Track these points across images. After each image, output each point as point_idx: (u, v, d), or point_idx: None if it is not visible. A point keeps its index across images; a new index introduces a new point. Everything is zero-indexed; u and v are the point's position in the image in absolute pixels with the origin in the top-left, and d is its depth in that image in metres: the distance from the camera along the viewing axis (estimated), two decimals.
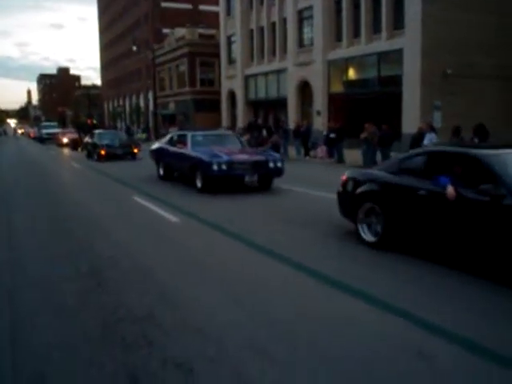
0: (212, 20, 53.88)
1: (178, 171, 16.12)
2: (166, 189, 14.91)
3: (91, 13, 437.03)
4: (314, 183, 15.20)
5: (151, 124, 56.71)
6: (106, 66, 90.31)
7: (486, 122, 17.14)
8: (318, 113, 33.50)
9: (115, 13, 79.69)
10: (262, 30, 40.11)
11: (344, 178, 8.55)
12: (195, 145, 14.64)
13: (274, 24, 38.52)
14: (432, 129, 17.99)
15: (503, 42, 27.86)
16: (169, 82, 57.15)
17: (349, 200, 8.21)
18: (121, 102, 78.56)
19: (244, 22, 41.83)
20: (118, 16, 78.37)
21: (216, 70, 50.15)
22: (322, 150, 24.40)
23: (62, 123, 79.82)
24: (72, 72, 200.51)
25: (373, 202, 7.60)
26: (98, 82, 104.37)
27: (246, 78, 42.79)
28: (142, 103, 68.62)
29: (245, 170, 13.26)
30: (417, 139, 18.24)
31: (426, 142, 17.39)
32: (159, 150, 17.33)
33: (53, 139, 46.94)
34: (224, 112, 46.55)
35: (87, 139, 29.87)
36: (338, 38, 32.16)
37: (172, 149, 15.94)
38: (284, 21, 37.19)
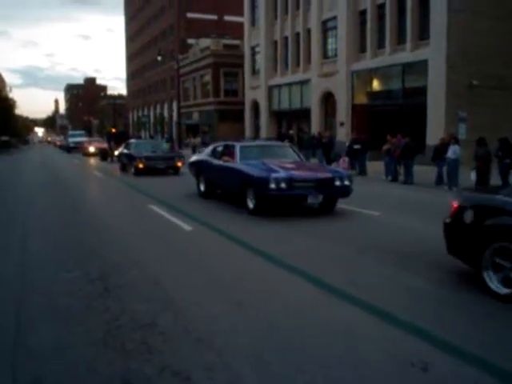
0: (237, 30, 54.15)
1: (223, 188, 13.95)
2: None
3: (118, 23, 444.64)
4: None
5: (175, 134, 57.05)
6: (131, 76, 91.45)
7: (511, 135, 16.77)
8: (342, 124, 33.28)
9: (141, 23, 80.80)
10: (286, 40, 40.13)
11: (457, 204, 6.47)
12: (245, 157, 12.45)
13: (298, 34, 38.51)
14: (456, 140, 17.67)
15: None
16: (193, 92, 57.49)
17: (467, 236, 6.14)
18: (145, 112, 79.28)
19: (268, 32, 41.91)
20: (144, 27, 79.45)
21: (240, 81, 50.30)
22: (344, 162, 24.14)
23: (88, 132, 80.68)
24: (98, 82, 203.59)
25: (509, 240, 5.57)
26: (124, 91, 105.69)
27: (270, 89, 42.79)
28: (166, 113, 69.13)
29: (308, 190, 10.97)
30: (440, 151, 17.97)
31: (449, 154, 17.12)
32: (200, 164, 14.99)
33: (79, 148, 45.82)
34: (247, 122, 46.58)
35: (122, 149, 26.16)
36: (362, 49, 31.97)
37: (216, 162, 13.67)
38: (308, 31, 37.15)
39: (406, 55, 28.30)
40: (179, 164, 22.87)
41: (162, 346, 4.38)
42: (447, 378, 3.84)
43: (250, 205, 11.42)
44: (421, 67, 27.33)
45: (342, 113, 33.45)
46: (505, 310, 5.34)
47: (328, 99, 35.85)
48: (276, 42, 41.43)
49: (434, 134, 24.59)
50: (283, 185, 10.68)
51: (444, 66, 25.61)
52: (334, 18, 33.91)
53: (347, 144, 24.54)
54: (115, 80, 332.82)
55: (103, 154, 35.15)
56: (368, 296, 5.67)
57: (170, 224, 10.50)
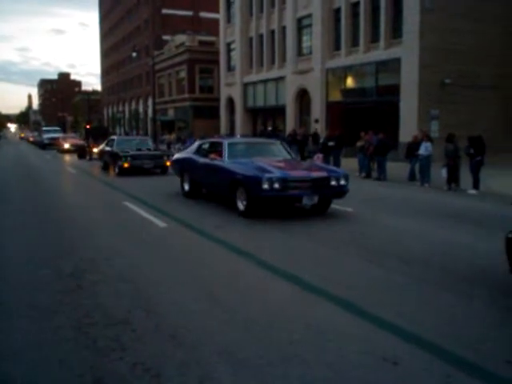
0: (212, 27, 54.07)
1: (209, 188, 13.18)
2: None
3: (93, 18, 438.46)
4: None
5: (150, 130, 56.68)
6: (106, 71, 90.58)
7: (484, 133, 17.12)
8: (316, 121, 33.47)
9: (116, 19, 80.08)
10: (261, 37, 40.18)
11: None
12: (233, 155, 11.78)
13: (273, 32, 38.59)
14: (428, 138, 17.94)
15: (504, 52, 27.90)
16: (168, 88, 57.20)
17: None
18: (120, 108, 78.64)
19: (244, 29, 41.91)
20: (118, 22, 78.74)
21: (215, 77, 50.23)
22: (318, 158, 24.29)
23: (62, 128, 79.60)
24: (73, 77, 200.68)
25: None
26: (99, 87, 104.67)
27: (245, 86, 42.82)
28: (141, 109, 68.66)
29: (303, 190, 10.33)
30: (412, 148, 18.21)
31: (421, 151, 17.36)
32: (184, 162, 14.16)
33: (54, 145, 43.59)
34: (223, 119, 46.56)
35: (103, 147, 23.83)
36: (337, 47, 32.18)
37: (202, 160, 12.90)
38: (283, 29, 37.27)
39: (380, 53, 28.59)
40: (168, 163, 19.97)
41: (134, 343, 4.40)
42: (418, 372, 3.94)
43: (241, 206, 10.75)
44: (394, 65, 27.63)
45: (317, 110, 33.64)
46: (483, 306, 5.47)
47: (303, 96, 36.02)
48: (251, 39, 41.45)
49: (407, 131, 24.91)
50: (277, 185, 10.02)
51: (417, 65, 25.94)
52: (309, 15, 34.07)
53: (321, 141, 24.71)
54: (89, 76, 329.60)
55: (81, 152, 32.48)
56: (342, 292, 5.76)
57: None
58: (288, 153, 12.89)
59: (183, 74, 52.88)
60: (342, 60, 31.51)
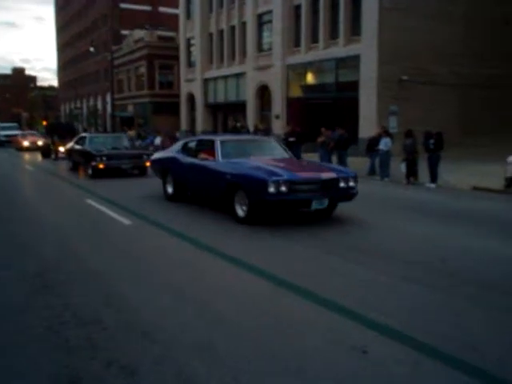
0: (172, 22, 53.54)
1: (199, 191, 11.96)
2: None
3: (48, 12, 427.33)
4: None
5: (109, 127, 55.91)
6: (63, 67, 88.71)
7: (441, 129, 17.52)
8: (277, 117, 33.67)
9: (73, 13, 78.43)
10: (221, 33, 40.11)
11: None
12: (227, 155, 10.69)
13: (233, 28, 38.58)
14: (387, 133, 18.30)
15: (460, 50, 28.60)
16: (127, 84, 56.50)
17: None
18: (78, 104, 77.20)
19: (204, 25, 41.74)
20: (75, 16, 77.14)
21: (175, 73, 49.88)
22: None
23: (18, 125, 77.42)
24: (27, 73, 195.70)
25: None
26: (55, 83, 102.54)
27: (206, 82, 42.69)
28: (99, 105, 67.62)
29: (312, 193, 9.29)
30: (372, 143, 18.56)
31: (381, 146, 17.70)
32: (167, 162, 12.90)
33: (12, 142, 41.46)
34: (183, 115, 46.31)
35: (72, 145, 21.68)
36: (297, 43, 32.42)
37: (188, 160, 11.78)
38: (243, 25, 37.29)
39: (339, 50, 28.93)
40: (148, 163, 18.10)
41: (107, 341, 4.39)
42: (387, 360, 4.06)
43: (240, 212, 9.64)
44: (353, 62, 28.01)
45: (278, 106, 33.84)
46: (449, 296, 5.67)
47: (263, 92, 36.16)
48: (211, 35, 41.33)
49: (367, 127, 25.35)
50: (284, 188, 8.94)
51: (375, 62, 26.37)
52: (270, 11, 34.18)
53: (282, 137, 24.88)
54: (45, 71, 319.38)
55: (45, 150, 29.83)
56: (311, 285, 5.86)
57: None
58: (285, 151, 11.82)
59: (142, 70, 52.31)
60: (303, 56, 31.75)
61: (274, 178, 8.98)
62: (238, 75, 38.46)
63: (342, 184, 9.64)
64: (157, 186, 13.91)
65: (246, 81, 37.17)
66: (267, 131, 27.69)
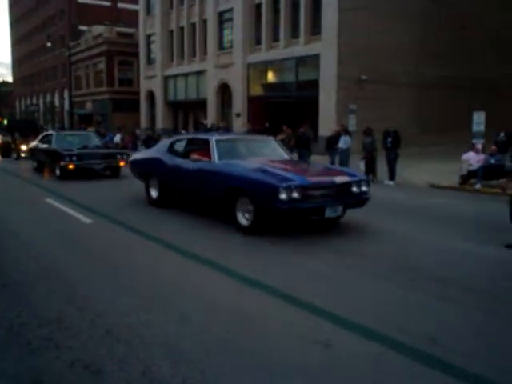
0: (131, 18, 52.87)
1: (191, 196, 10.78)
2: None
3: (0, 4, 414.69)
4: None
5: (67, 124, 54.93)
6: (18, 61, 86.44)
7: (398, 127, 17.90)
8: (238, 115, 33.71)
9: (29, 6, 76.29)
10: (182, 30, 39.87)
11: None
12: (224, 156, 9.68)
13: (194, 25, 38.39)
14: (346, 132, 18.57)
15: (418, 51, 29.23)
16: (86, 80, 55.55)
17: None
18: (34, 101, 75.52)
19: (164, 21, 41.39)
20: (31, 10, 75.12)
21: (135, 70, 49.33)
22: None
23: None
24: None
25: None
26: (9, 78, 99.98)
27: (166, 79, 42.38)
28: (57, 102, 66.30)
29: (325, 200, 8.38)
30: (331, 141, 18.80)
31: (340, 144, 17.94)
32: (151, 163, 11.71)
33: None
34: (143, 112, 45.86)
35: (36, 144, 20.19)
36: (258, 42, 32.51)
37: (177, 161, 10.66)
38: (204, 22, 37.15)
39: (300, 49, 29.17)
40: (122, 163, 17.54)
41: (69, 341, 4.36)
42: (350, 353, 4.17)
43: (243, 221, 8.62)
44: (313, 61, 28.30)
45: (238, 104, 33.88)
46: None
47: (224, 90, 36.15)
48: (172, 32, 41.02)
49: (326, 125, 25.62)
50: (296, 194, 7.95)
51: (335, 61, 26.71)
52: (231, 9, 34.16)
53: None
54: None
55: (5, 149, 28.03)
56: (274, 282, 5.94)
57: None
58: (284, 151, 10.90)
59: (101, 66, 51.53)
60: (263, 55, 31.88)
61: (286, 184, 7.97)
62: (199, 73, 38.32)
63: (354, 189, 8.83)
64: (135, 188, 13.14)
65: (207, 78, 37.07)
66: (227, 129, 27.72)
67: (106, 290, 5.73)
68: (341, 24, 26.37)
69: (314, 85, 28.29)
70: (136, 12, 47.88)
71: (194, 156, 10.30)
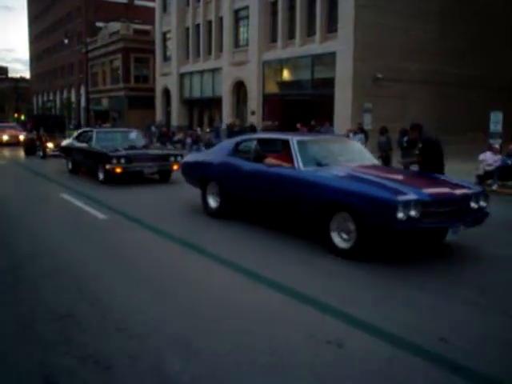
0: (148, 16, 53.13)
1: (265, 208, 8.97)
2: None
3: (18, 2, 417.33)
4: None
5: (83, 120, 55.27)
6: (36, 58, 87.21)
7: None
8: (253, 113, 33.66)
9: (46, 3, 76.91)
10: (198, 28, 39.89)
11: None
12: (309, 161, 8.05)
13: (210, 22, 38.39)
14: (361, 130, 18.49)
15: (437, 48, 28.94)
16: (102, 77, 55.89)
17: None
18: (51, 97, 76.12)
19: (180, 19, 41.46)
20: (49, 7, 75.76)
21: (151, 67, 49.50)
22: None
23: None
24: None
25: None
26: (27, 75, 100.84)
27: (181, 76, 42.45)
28: (73, 98, 66.77)
29: (447, 218, 6.87)
30: None
31: None
32: (211, 166, 10.03)
33: None
34: (158, 110, 45.99)
35: (71, 142, 18.26)
36: (274, 39, 32.41)
37: (248, 166, 8.91)
38: (220, 20, 37.13)
39: (315, 47, 29.03)
40: (175, 167, 15.02)
41: (81, 336, 4.37)
42: (361, 354, 4.12)
43: (341, 243, 7.05)
44: (329, 59, 28.13)
45: (254, 102, 33.82)
46: (427, 294, 5.70)
47: (239, 88, 36.11)
48: (188, 29, 41.07)
49: (342, 123, 25.51)
50: (414, 212, 6.43)
51: (351, 59, 26.53)
52: (246, 7, 34.11)
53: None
54: (16, 62, 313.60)
55: (30, 146, 26.12)
56: (286, 280, 5.86)
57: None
58: (372, 156, 9.45)
59: (118, 63, 51.80)
60: (279, 52, 31.78)
61: (403, 199, 6.43)
62: (214, 70, 38.32)
63: (472, 204, 7.25)
64: (188, 195, 11.66)
65: (222, 76, 37.05)
66: (242, 127, 27.67)
67: (118, 286, 5.71)
68: (357, 21, 26.19)
69: (329, 83, 28.14)
70: (152, 9, 48.05)
71: (270, 160, 8.76)
